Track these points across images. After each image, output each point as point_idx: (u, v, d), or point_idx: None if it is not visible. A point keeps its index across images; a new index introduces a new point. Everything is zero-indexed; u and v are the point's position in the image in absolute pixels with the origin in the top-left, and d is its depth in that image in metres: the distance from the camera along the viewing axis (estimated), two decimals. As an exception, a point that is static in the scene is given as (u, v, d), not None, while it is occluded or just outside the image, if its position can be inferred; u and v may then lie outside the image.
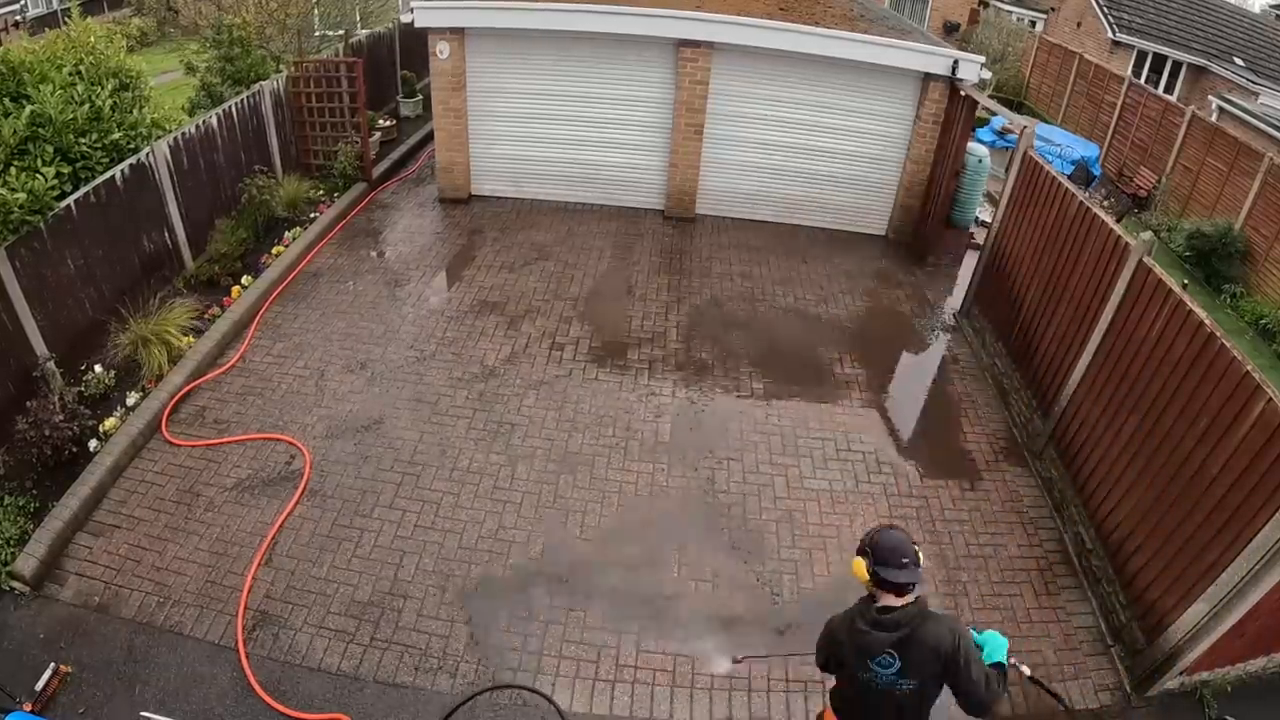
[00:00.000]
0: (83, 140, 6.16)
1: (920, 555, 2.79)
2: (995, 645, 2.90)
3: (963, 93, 8.03)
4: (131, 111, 6.70)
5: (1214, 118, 13.47)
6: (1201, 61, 15.95)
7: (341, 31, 11.62)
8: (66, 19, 7.12)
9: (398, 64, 12.06)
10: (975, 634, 2.92)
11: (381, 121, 10.54)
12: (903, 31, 9.46)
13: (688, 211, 9.20)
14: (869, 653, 2.80)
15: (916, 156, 8.66)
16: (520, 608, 4.55)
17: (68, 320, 5.87)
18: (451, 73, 8.52)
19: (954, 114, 8.23)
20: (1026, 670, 3.02)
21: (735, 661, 4.20)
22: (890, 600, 2.77)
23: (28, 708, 3.84)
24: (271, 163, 8.53)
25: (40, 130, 5.87)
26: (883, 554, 2.75)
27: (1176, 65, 16.56)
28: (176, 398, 5.83)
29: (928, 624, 2.75)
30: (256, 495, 5.15)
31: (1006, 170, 7.26)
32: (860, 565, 2.80)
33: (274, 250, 7.62)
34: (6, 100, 5.82)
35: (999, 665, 2.83)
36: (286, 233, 7.93)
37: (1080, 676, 4.43)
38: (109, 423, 5.41)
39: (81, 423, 5.23)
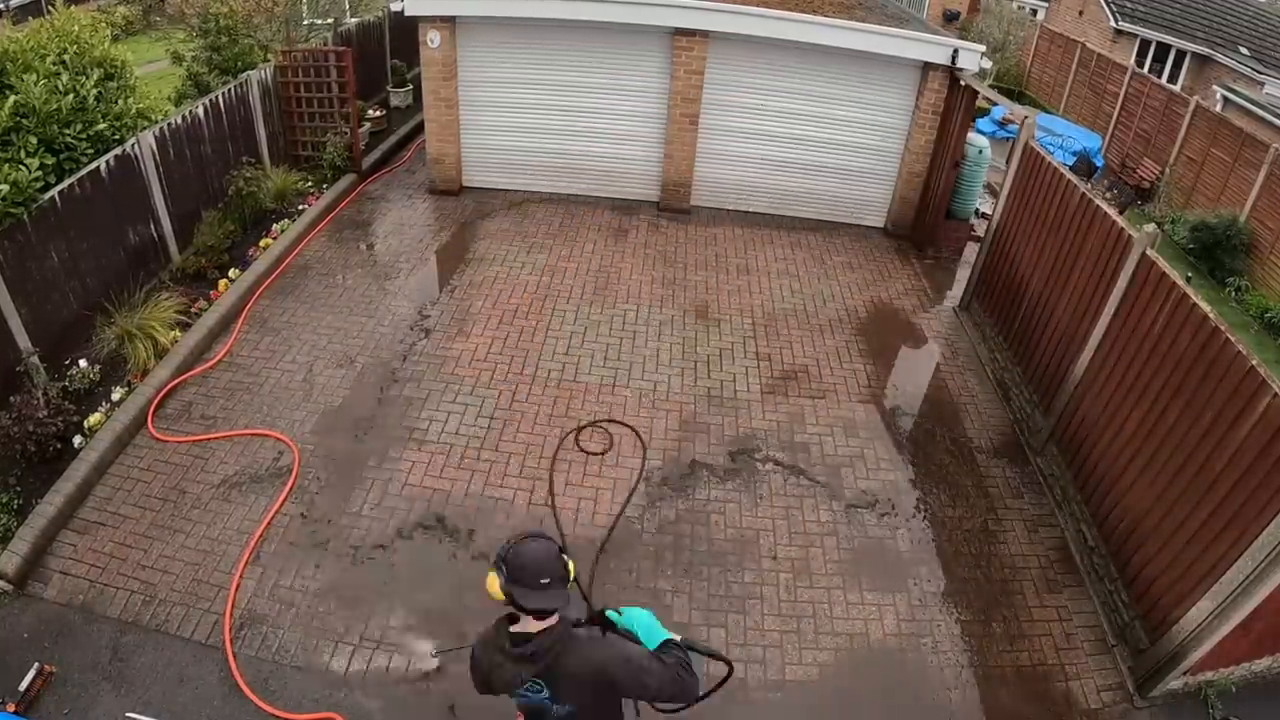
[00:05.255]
0: (67, 131, 6.05)
1: (571, 569, 2.36)
2: (642, 624, 2.52)
3: (963, 82, 7.91)
4: (117, 102, 6.59)
5: (1218, 108, 13.35)
6: (1205, 50, 15.80)
7: (330, 20, 11.48)
8: (50, 7, 6.98)
9: (388, 53, 11.91)
10: (615, 616, 2.56)
11: (371, 112, 10.39)
12: (901, 20, 9.33)
13: (683, 203, 9.10)
14: (511, 684, 2.39)
15: (915, 147, 8.55)
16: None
17: (52, 314, 5.78)
18: (442, 62, 8.39)
19: (954, 104, 8.12)
20: (676, 638, 2.58)
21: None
22: (529, 625, 2.35)
23: (11, 708, 3.79)
24: (259, 154, 8.41)
25: (24, 121, 5.76)
26: (516, 570, 2.27)
27: (1180, 54, 16.41)
28: (162, 393, 5.74)
29: (571, 652, 2.34)
30: (244, 492, 5.08)
31: (1007, 161, 7.16)
32: (493, 582, 2.30)
33: (262, 243, 7.52)
34: (-11, 90, 5.71)
35: (669, 643, 2.44)
36: (274, 225, 7.82)
37: (1082, 676, 4.38)
38: (94, 418, 5.33)
39: (66, 418, 5.16)
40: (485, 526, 4.95)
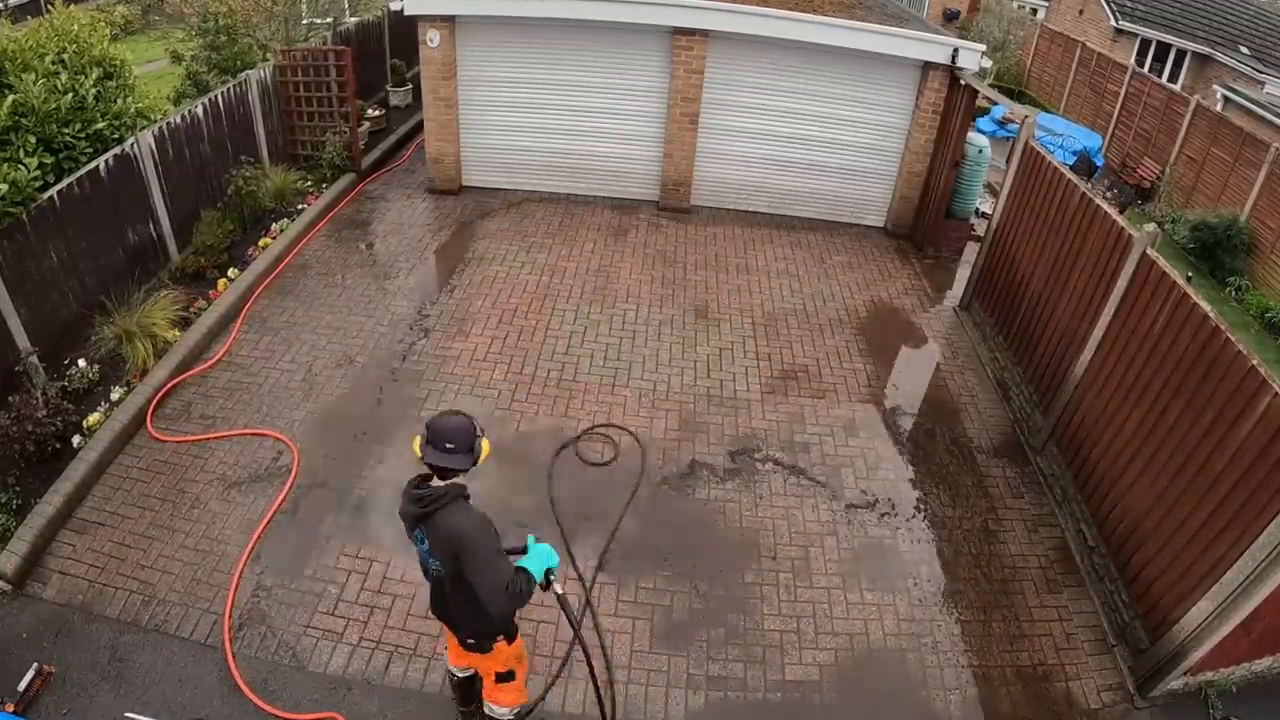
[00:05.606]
0: (66, 130, 6.05)
1: (480, 448, 2.87)
2: (538, 556, 3.01)
3: (963, 82, 7.91)
4: (116, 101, 6.59)
5: (1219, 107, 13.33)
6: (1206, 50, 15.77)
7: (330, 19, 11.46)
8: (49, 6, 6.98)
9: (387, 52, 11.90)
10: (530, 542, 3.08)
11: (370, 111, 10.39)
12: (901, 19, 9.33)
13: (683, 202, 9.09)
14: (408, 524, 2.97)
15: (916, 147, 8.55)
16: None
17: (51, 314, 5.78)
18: (442, 61, 8.38)
19: (954, 103, 8.11)
20: (558, 588, 3.09)
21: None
22: (435, 482, 2.89)
23: (10, 708, 3.78)
24: (258, 153, 8.40)
25: (23, 120, 5.76)
26: (430, 433, 2.84)
27: (1180, 53, 16.39)
28: (161, 392, 5.73)
29: (450, 509, 2.83)
30: (243, 492, 5.07)
31: (1007, 161, 7.15)
32: (416, 442, 2.88)
33: (261, 242, 7.51)
34: (-12, 89, 5.70)
35: (527, 574, 2.92)
36: (274, 224, 7.81)
37: (1082, 676, 4.37)
38: (93, 418, 5.32)
39: (65, 418, 5.15)
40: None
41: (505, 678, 3.36)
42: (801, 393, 6.31)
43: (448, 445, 2.82)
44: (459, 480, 2.92)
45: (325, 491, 5.12)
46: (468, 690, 3.72)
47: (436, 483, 2.89)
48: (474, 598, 2.86)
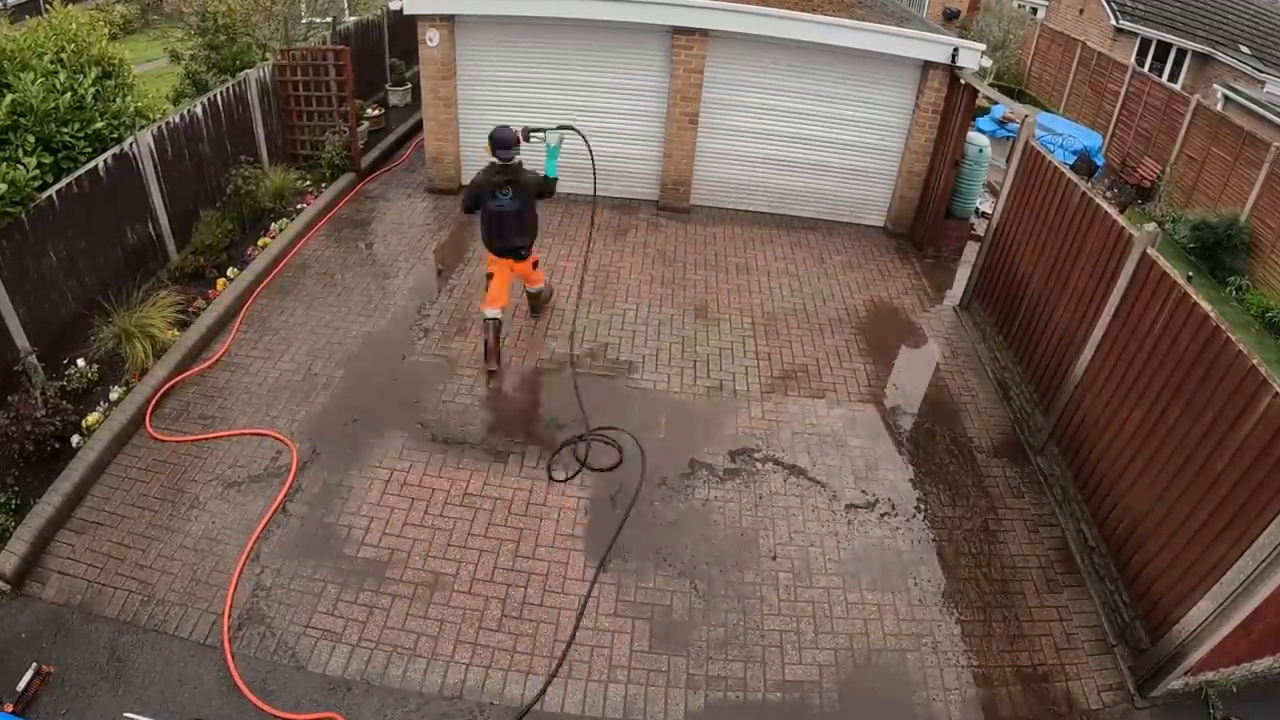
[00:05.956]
0: (65, 130, 6.04)
1: (521, 138, 5.66)
2: (552, 156, 5.95)
3: (963, 81, 7.90)
4: (115, 100, 6.58)
5: (1219, 106, 13.34)
6: (1206, 49, 15.78)
7: (329, 19, 11.46)
8: (48, 6, 6.97)
9: (386, 52, 11.89)
10: (548, 144, 5.89)
11: (370, 110, 10.38)
12: (901, 18, 9.32)
13: (683, 202, 9.08)
14: (490, 189, 5.75)
15: (916, 146, 8.54)
16: (511, 606, 4.48)
17: (50, 313, 5.77)
18: (441, 61, 8.37)
19: (954, 103, 8.10)
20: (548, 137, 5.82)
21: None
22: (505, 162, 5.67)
23: (8, 708, 3.78)
24: (258, 153, 8.38)
25: (21, 119, 5.75)
26: (493, 140, 5.62)
27: (1181, 53, 16.40)
28: (160, 392, 5.72)
29: (522, 172, 5.78)
30: (243, 492, 5.06)
31: (1007, 160, 7.14)
32: (487, 147, 5.65)
33: (260, 242, 7.50)
34: (-14, 88, 5.69)
35: (553, 179, 5.99)
36: (273, 224, 7.80)
37: (1083, 676, 4.37)
38: (92, 418, 5.31)
39: (64, 418, 5.14)
40: (485, 524, 4.94)
41: (536, 265, 6.43)
42: (801, 392, 6.30)
43: (509, 144, 5.64)
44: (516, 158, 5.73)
45: (324, 490, 5.11)
46: (497, 338, 6.01)
47: (505, 161, 5.68)
48: (530, 213, 5.98)
